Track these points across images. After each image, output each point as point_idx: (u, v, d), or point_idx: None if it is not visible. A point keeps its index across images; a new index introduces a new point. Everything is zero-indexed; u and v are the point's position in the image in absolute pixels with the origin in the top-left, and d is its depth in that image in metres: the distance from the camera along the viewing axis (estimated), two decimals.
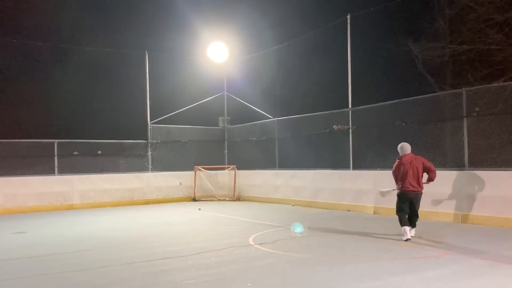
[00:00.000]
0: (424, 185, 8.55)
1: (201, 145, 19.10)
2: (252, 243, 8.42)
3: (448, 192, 10.79)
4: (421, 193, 8.54)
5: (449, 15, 15.54)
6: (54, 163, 15.76)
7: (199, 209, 13.69)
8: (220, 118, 20.27)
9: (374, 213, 12.60)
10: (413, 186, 8.37)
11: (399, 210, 8.52)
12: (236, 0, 21.57)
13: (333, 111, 14.41)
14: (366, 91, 15.17)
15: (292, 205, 15.22)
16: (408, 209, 8.49)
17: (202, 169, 18.38)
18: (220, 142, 19.90)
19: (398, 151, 8.76)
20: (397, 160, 8.67)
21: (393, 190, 8.96)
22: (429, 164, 8.53)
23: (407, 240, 8.21)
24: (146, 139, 17.79)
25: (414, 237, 8.59)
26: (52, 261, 7.35)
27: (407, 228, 8.33)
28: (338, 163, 14.04)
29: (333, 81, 16.60)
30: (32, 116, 18.17)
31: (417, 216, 8.62)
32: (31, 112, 18.19)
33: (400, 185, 8.50)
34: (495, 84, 11.16)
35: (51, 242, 9.14)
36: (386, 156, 12.30)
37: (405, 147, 8.66)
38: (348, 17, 14.17)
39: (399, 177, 8.51)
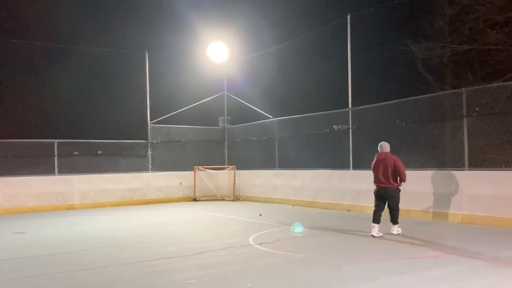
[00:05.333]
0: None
1: (201, 145, 19.10)
2: (252, 243, 8.42)
3: (448, 192, 10.79)
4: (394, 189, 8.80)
5: (449, 15, 15.54)
6: (54, 163, 15.76)
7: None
8: (220, 118, 20.27)
9: None
10: (382, 182, 8.84)
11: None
12: (236, 0, 21.59)
13: (333, 111, 14.40)
14: (366, 91, 15.18)
15: (292, 205, 15.22)
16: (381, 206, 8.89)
17: (202, 169, 18.38)
18: (220, 142, 19.90)
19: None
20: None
21: None
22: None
23: (372, 236, 8.67)
24: (146, 139, 17.79)
25: (415, 237, 8.58)
26: (52, 261, 7.35)
27: (376, 228, 8.77)
28: (338, 163, 14.03)
29: (333, 81, 16.60)
30: (32, 116, 18.18)
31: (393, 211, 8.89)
32: (31, 112, 18.20)
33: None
34: (495, 84, 11.14)
35: (51, 242, 9.14)
36: None
37: (383, 145, 9.09)
38: (348, 17, 14.17)
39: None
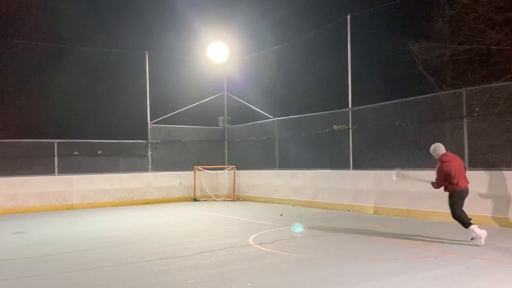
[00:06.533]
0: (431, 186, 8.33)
1: (201, 145, 19.09)
2: (252, 243, 8.41)
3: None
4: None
5: (449, 15, 15.54)
6: (54, 163, 15.75)
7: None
8: (220, 118, 20.27)
9: (374, 213, 12.60)
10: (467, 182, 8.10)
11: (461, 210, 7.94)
12: (236, 0, 21.60)
13: (333, 111, 14.40)
14: (366, 91, 15.17)
15: (292, 205, 15.22)
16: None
17: (202, 169, 18.38)
18: (220, 142, 19.89)
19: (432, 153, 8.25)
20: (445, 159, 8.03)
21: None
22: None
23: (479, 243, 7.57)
24: (146, 139, 17.78)
25: (415, 237, 8.58)
26: (52, 261, 7.34)
27: (476, 226, 7.73)
28: (338, 163, 14.03)
29: (333, 81, 16.61)
30: (32, 116, 18.20)
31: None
32: (31, 112, 18.22)
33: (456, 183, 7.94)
34: (495, 84, 11.15)
35: (51, 242, 9.13)
36: (386, 156, 12.30)
37: (439, 147, 8.18)
38: (348, 17, 14.17)
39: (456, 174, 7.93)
